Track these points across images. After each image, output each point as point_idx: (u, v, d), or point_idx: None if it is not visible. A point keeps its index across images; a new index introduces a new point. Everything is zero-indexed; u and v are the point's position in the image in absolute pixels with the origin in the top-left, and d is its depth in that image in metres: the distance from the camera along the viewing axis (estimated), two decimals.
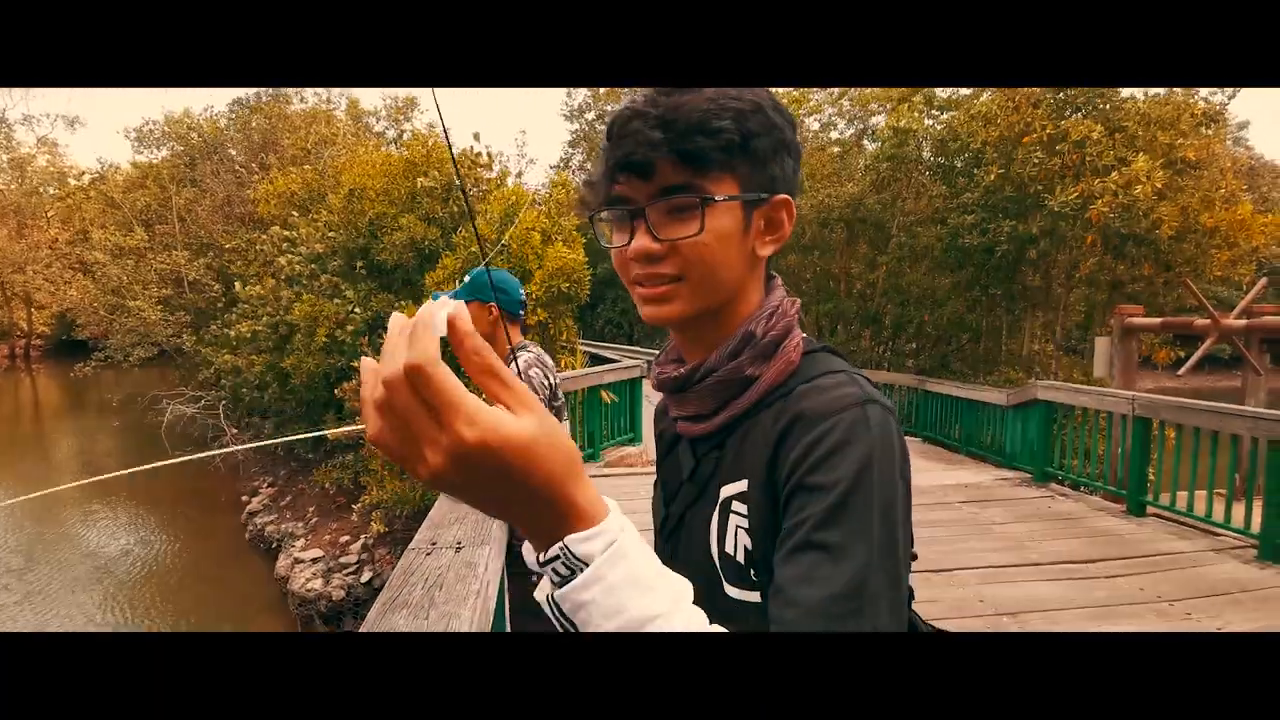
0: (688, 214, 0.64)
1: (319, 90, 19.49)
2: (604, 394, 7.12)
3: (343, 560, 8.10)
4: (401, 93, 21.14)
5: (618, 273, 0.71)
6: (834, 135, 16.81)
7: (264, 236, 10.64)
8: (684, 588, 0.48)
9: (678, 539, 0.77)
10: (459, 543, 1.79)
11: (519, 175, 19.82)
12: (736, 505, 0.67)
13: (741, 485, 0.67)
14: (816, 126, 16.64)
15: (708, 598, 0.55)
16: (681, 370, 0.73)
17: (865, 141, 15.98)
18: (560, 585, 0.45)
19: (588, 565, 0.44)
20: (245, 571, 9.17)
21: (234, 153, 18.44)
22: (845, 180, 13.38)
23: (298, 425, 10.87)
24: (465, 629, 1.38)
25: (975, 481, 6.23)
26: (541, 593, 0.48)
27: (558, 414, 2.35)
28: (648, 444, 7.39)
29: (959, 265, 11.36)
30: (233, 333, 10.09)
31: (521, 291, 2.40)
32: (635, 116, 0.64)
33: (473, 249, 7.54)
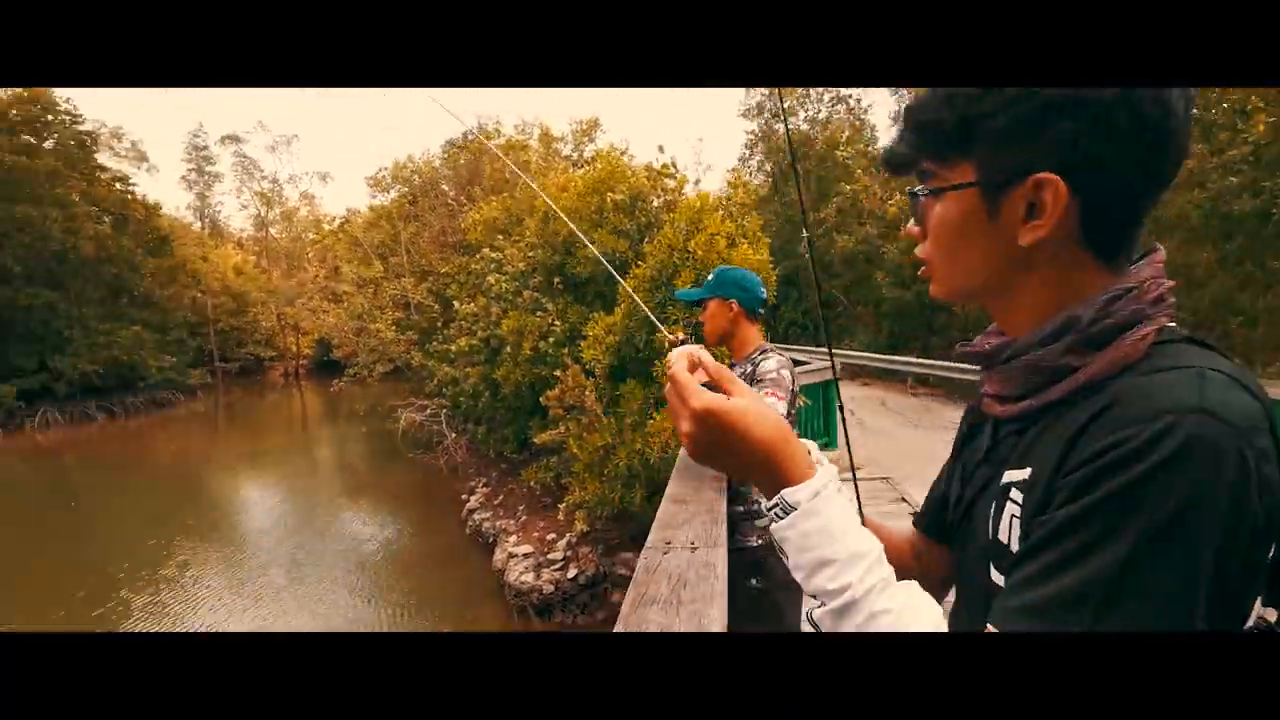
0: (920, 198, 0.68)
1: (516, 122, 21.31)
2: (800, 399, 6.90)
3: (550, 556, 8.66)
4: (585, 116, 22.46)
5: None
6: None
7: (476, 260, 11.77)
8: (868, 548, 0.60)
9: (967, 521, 0.72)
10: (693, 543, 1.79)
11: (696, 183, 20.24)
12: (1015, 493, 0.62)
13: (1024, 473, 0.62)
14: None
15: (981, 585, 0.66)
16: (989, 344, 0.69)
17: None
18: (774, 523, 0.63)
19: (795, 509, 0.61)
20: (468, 562, 10.16)
21: (446, 188, 20.75)
22: None
23: (506, 430, 11.88)
24: (716, 628, 1.36)
25: None
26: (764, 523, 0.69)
27: (790, 414, 2.31)
28: (844, 447, 7.05)
29: (1225, 236, 9.52)
30: (453, 348, 11.27)
31: (763, 290, 2.39)
32: (906, 109, 0.68)
33: (661, 257, 7.71)
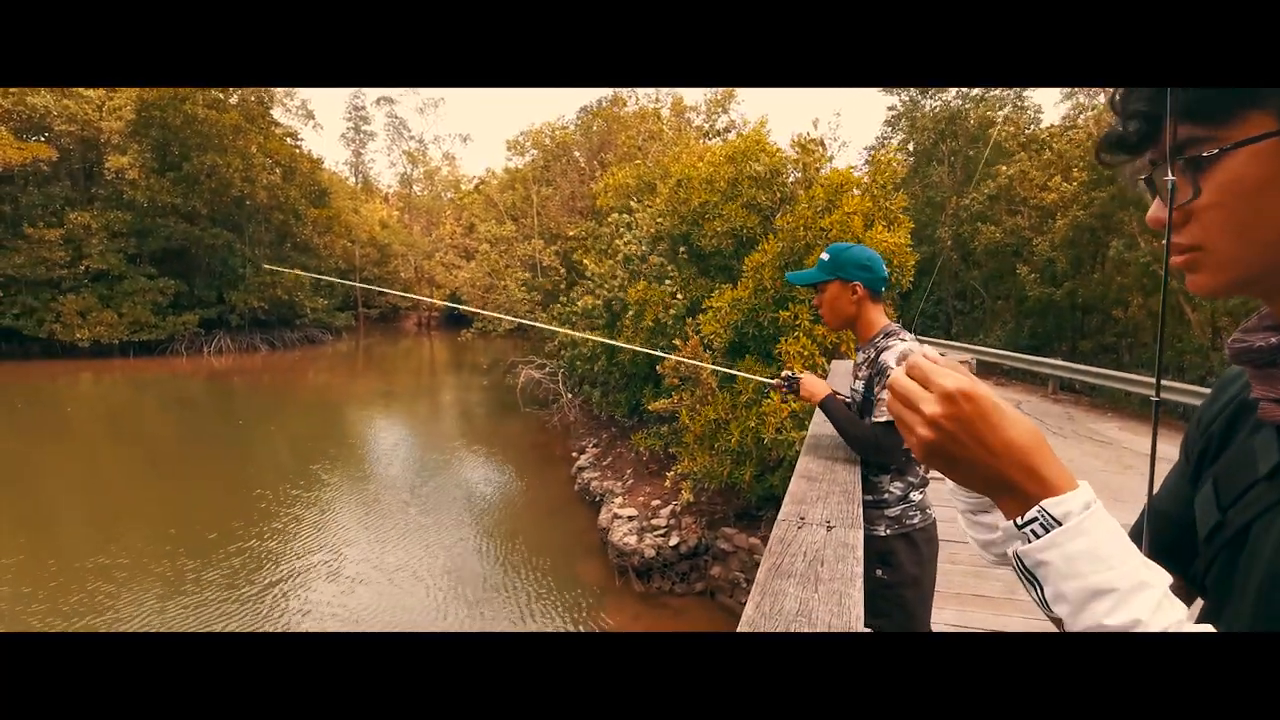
0: (1194, 170, 0.55)
1: (650, 90, 21.30)
2: None
3: (654, 522, 8.83)
4: (719, 88, 22.04)
5: None
6: None
7: (606, 223, 11.99)
8: (1152, 576, 0.50)
9: (1236, 551, 0.61)
10: (828, 521, 1.76)
11: (830, 159, 19.35)
12: None
13: None
14: None
15: (1267, 617, 0.55)
16: (1275, 339, 0.59)
17: None
18: (1028, 543, 0.53)
19: (1062, 525, 0.51)
20: (573, 517, 10.58)
21: (577, 154, 21.20)
22: None
23: (619, 395, 12.15)
24: (857, 610, 1.33)
25: None
26: (1009, 547, 0.56)
27: None
28: None
29: None
30: (579, 305, 11.61)
31: (884, 268, 2.25)
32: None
33: (794, 233, 7.50)
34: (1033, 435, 0.55)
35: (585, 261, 12.00)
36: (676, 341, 8.24)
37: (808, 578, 1.43)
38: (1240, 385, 0.70)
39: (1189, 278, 0.60)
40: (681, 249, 9.61)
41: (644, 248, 10.06)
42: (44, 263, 24.71)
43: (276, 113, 35.68)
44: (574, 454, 12.97)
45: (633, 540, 8.60)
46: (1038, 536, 0.53)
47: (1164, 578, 0.51)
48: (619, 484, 10.44)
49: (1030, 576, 0.54)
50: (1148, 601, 0.49)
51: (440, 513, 10.82)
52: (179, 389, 22.10)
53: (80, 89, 25.45)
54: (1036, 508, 0.53)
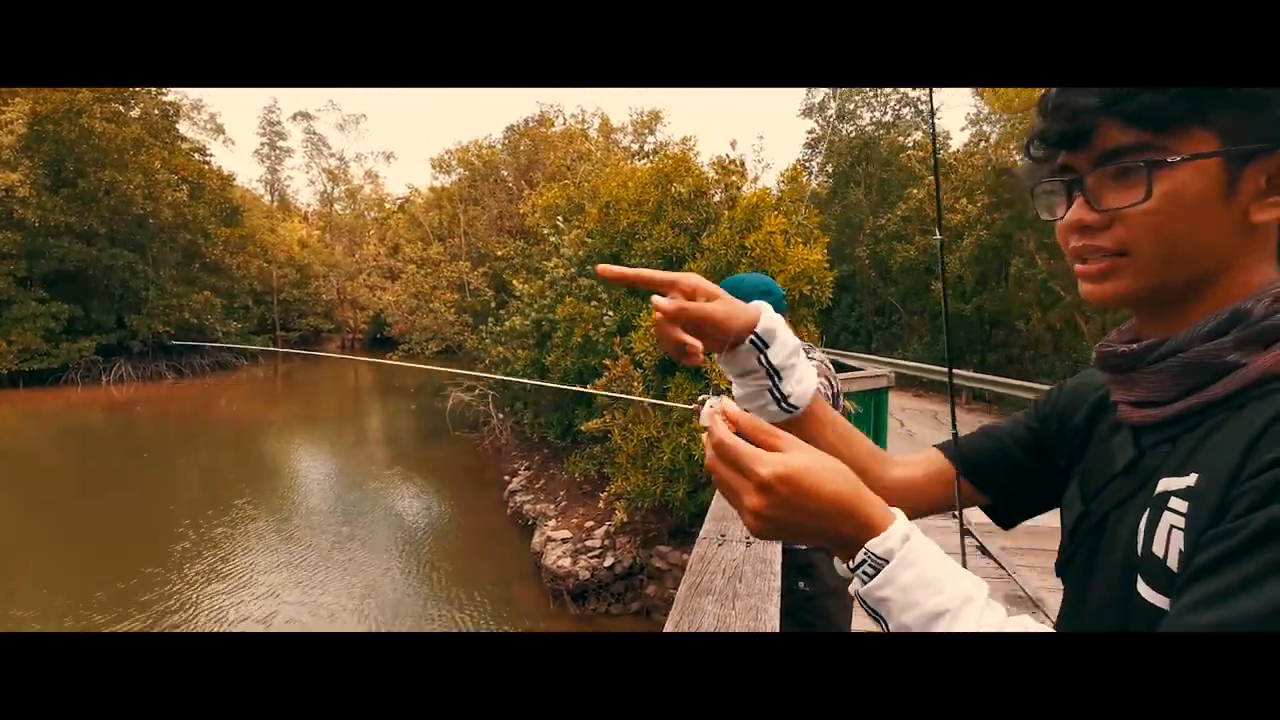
0: (1133, 178, 0.57)
1: (576, 110, 21.45)
2: (846, 403, 6.79)
3: (588, 544, 8.74)
4: (646, 107, 22.46)
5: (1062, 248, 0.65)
6: None
7: (537, 245, 11.93)
8: (972, 588, 0.54)
9: (1096, 539, 0.68)
10: (748, 538, 1.79)
11: (755, 180, 19.96)
12: (1175, 502, 0.56)
13: (1189, 480, 0.56)
14: None
15: (1119, 601, 0.60)
16: (1134, 346, 0.64)
17: None
18: (865, 584, 0.55)
19: (889, 562, 0.54)
20: (506, 542, 10.35)
21: (505, 173, 21.04)
22: None
23: (552, 415, 12.03)
24: (771, 626, 1.36)
25: None
26: (853, 588, 0.58)
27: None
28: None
29: None
30: (507, 324, 11.47)
31: (780, 288, 2.34)
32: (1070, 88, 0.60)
33: (719, 252, 7.68)
34: (849, 483, 0.56)
35: (514, 282, 11.90)
36: (607, 361, 8.25)
37: (726, 594, 1.45)
38: (1098, 386, 0.77)
39: (1091, 286, 0.63)
40: None
41: (573, 269, 10.06)
42: None
43: (183, 126, 33.94)
44: (506, 477, 12.72)
45: (567, 563, 8.49)
46: (871, 577, 0.55)
47: (982, 587, 0.55)
48: (552, 506, 10.30)
49: (874, 613, 0.56)
50: (974, 613, 0.53)
51: (366, 544, 10.38)
52: (76, 420, 20.46)
53: None
54: (862, 550, 0.55)
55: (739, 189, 9.27)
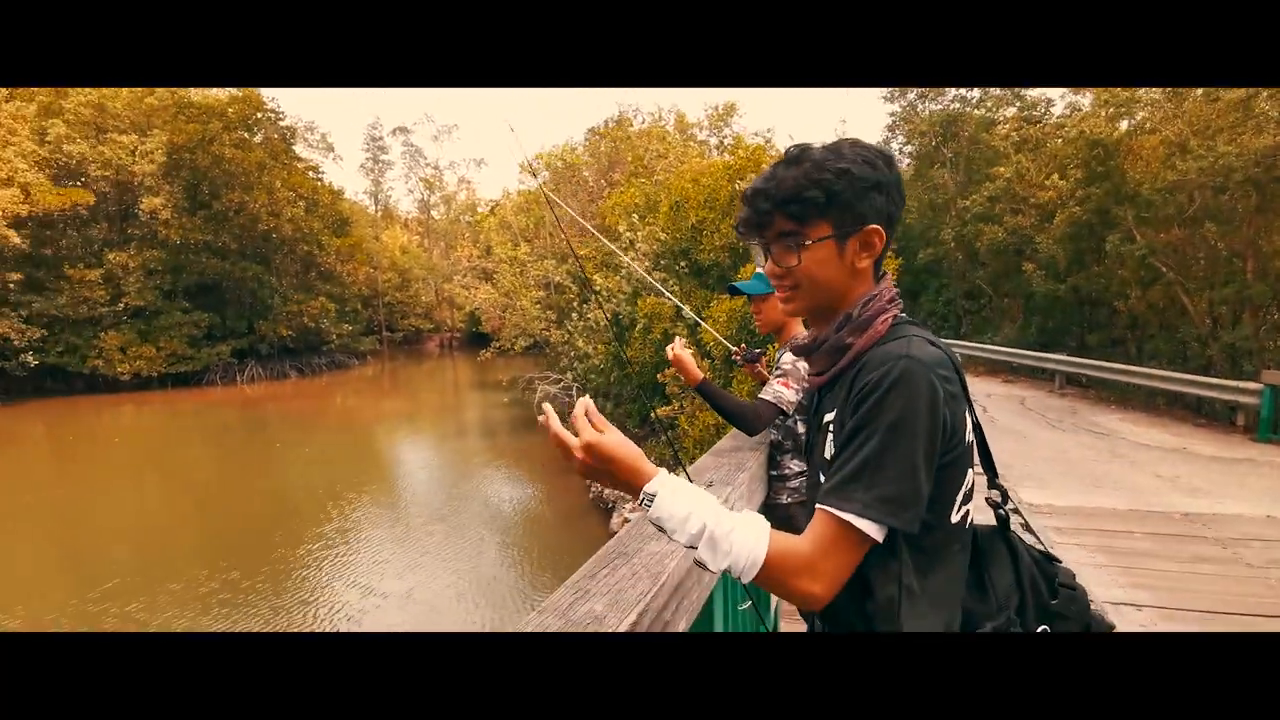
0: (792, 249, 1.00)
1: (653, 108, 21.89)
2: None
3: None
4: (721, 101, 22.60)
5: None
6: None
7: (615, 241, 12.53)
8: (707, 498, 0.89)
9: (811, 451, 1.13)
10: (710, 481, 2.08)
11: None
12: (829, 426, 0.99)
13: (832, 414, 0.99)
14: None
15: (817, 482, 1.02)
16: (811, 341, 1.09)
17: None
18: (646, 512, 0.89)
19: (655, 496, 0.88)
20: (587, 524, 11.02)
21: (587, 174, 21.90)
22: (1252, 130, 10.47)
23: (630, 406, 12.61)
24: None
25: None
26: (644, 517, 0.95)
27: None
28: None
29: None
30: (592, 317, 12.12)
31: None
32: (757, 193, 1.00)
33: None
34: (631, 453, 0.91)
35: (594, 278, 12.53)
36: None
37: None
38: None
39: (784, 306, 1.06)
40: (682, 263, 10.10)
41: (647, 264, 10.55)
42: (85, 301, 26.02)
43: (298, 147, 37.10)
44: None
45: None
46: (648, 509, 0.89)
47: (711, 497, 0.91)
48: None
49: (662, 529, 0.89)
50: (706, 512, 0.88)
51: (464, 525, 11.35)
52: (216, 417, 23.07)
53: (114, 135, 26.83)
54: (641, 492, 0.90)
55: None
